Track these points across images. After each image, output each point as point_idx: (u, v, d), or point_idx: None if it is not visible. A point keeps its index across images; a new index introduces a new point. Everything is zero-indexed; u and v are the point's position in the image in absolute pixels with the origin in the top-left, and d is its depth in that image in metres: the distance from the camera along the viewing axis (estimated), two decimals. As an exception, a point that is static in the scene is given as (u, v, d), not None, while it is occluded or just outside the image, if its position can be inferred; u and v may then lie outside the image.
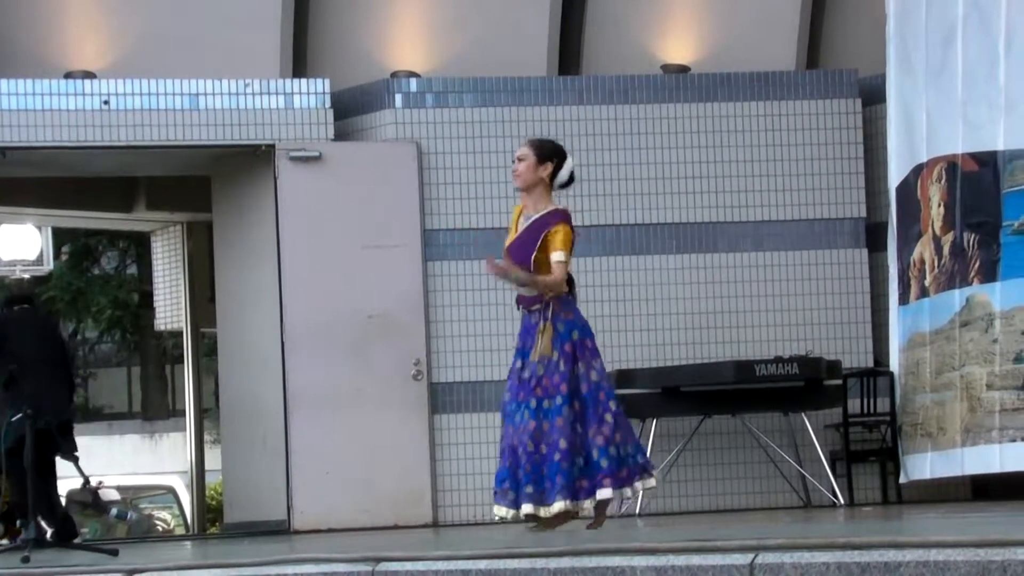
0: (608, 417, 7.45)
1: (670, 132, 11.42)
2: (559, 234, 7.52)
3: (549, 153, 7.60)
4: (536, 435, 7.41)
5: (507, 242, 7.68)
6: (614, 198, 11.37)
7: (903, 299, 10.61)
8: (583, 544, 5.20)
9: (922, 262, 10.35)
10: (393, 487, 10.79)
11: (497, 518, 7.61)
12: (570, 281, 7.56)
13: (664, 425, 11.06)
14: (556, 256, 7.49)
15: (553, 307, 7.46)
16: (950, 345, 9.96)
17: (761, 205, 11.46)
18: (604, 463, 7.40)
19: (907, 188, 10.55)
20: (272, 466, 10.89)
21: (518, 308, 7.63)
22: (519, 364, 7.55)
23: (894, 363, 10.74)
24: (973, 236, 9.85)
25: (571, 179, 7.71)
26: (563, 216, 7.61)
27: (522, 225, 7.62)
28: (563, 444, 7.38)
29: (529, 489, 7.42)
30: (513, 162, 7.69)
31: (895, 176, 10.73)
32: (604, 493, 7.44)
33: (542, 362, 7.44)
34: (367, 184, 11.01)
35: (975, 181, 9.90)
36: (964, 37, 9.94)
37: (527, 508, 7.44)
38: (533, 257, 7.51)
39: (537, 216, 7.60)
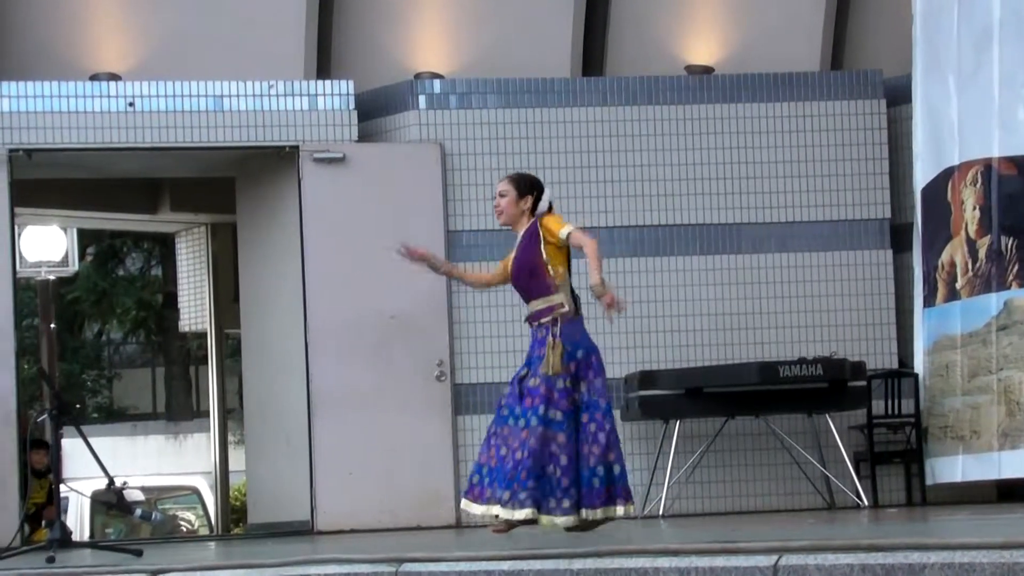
0: (601, 437, 7.50)
1: (694, 133, 11.40)
2: (550, 219, 7.66)
3: (528, 187, 7.79)
4: (543, 439, 7.42)
5: (511, 270, 7.77)
6: (638, 199, 11.35)
7: (928, 301, 10.56)
8: (606, 546, 5.19)
9: (952, 265, 10.29)
10: (416, 488, 10.79)
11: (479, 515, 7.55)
12: (576, 299, 7.65)
13: (688, 426, 11.04)
14: (566, 229, 7.59)
15: (561, 323, 7.55)
16: (986, 349, 9.90)
17: (785, 206, 11.43)
18: (595, 483, 7.42)
19: (934, 191, 10.50)
20: (295, 467, 10.90)
21: (529, 324, 7.69)
22: (524, 371, 7.62)
23: (919, 365, 10.70)
24: (1011, 240, 9.81)
25: (549, 208, 7.85)
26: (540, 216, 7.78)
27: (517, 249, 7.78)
28: (564, 460, 7.41)
29: (525, 491, 7.36)
30: (494, 197, 7.83)
31: (921, 178, 10.68)
32: (591, 514, 7.43)
33: (545, 376, 7.48)
34: (391, 185, 11.01)
35: (1013, 185, 9.85)
36: (1000, 41, 9.89)
37: (526, 513, 7.34)
38: (542, 252, 7.60)
39: (524, 229, 7.75)
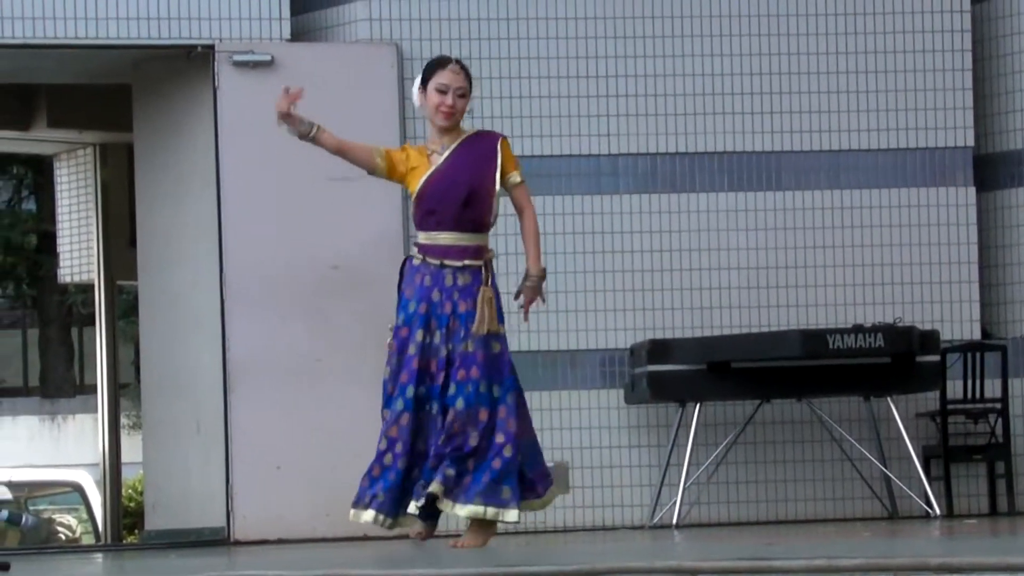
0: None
1: (722, 35, 11.35)
2: (509, 150, 7.79)
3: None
4: (483, 424, 7.65)
5: (418, 186, 7.74)
6: (650, 119, 11.33)
7: None
8: (602, 562, 5.22)
9: None
10: (362, 487, 10.84)
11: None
12: None
13: (710, 411, 11.08)
14: (515, 178, 7.75)
15: (488, 273, 7.70)
16: None
17: (838, 130, 11.44)
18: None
19: None
20: (208, 458, 10.94)
21: (434, 262, 7.72)
22: (420, 335, 7.79)
23: None
24: None
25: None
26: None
27: (437, 161, 7.73)
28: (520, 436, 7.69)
29: (474, 486, 7.64)
30: (447, 93, 7.71)
31: None
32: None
33: (473, 338, 7.67)
34: (333, 97, 10.90)
35: None
36: None
37: (473, 509, 7.62)
38: (496, 181, 7.73)
39: (465, 138, 7.78)
